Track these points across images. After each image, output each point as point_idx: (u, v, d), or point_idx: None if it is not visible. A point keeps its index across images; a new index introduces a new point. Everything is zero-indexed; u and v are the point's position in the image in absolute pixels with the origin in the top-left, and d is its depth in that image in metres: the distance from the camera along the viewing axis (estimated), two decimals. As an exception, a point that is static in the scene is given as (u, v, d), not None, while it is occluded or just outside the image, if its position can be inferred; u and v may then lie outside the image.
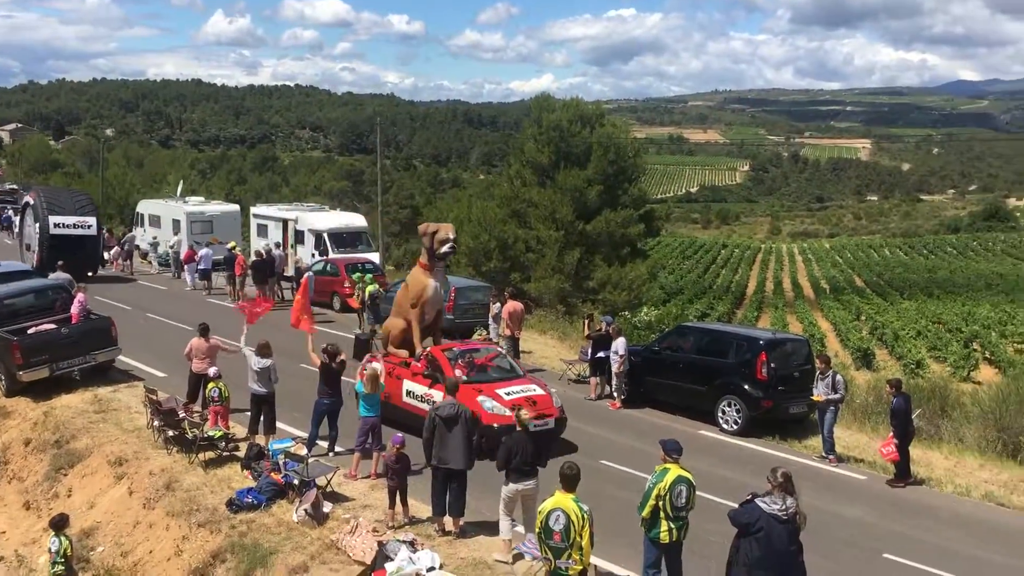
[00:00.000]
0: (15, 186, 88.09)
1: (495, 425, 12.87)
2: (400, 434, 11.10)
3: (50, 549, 10.49)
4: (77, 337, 17.59)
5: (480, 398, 13.42)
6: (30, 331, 17.49)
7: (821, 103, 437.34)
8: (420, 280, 15.45)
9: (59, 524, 10.54)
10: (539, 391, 14.16)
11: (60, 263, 24.91)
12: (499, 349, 16.30)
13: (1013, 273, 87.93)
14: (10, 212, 56.72)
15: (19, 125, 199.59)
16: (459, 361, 14.38)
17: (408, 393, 14.41)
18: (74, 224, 30.09)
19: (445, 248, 15.41)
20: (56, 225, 29.79)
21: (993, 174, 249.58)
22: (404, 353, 15.20)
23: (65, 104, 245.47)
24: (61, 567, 10.39)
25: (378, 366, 13.20)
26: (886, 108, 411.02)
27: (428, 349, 14.71)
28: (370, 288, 22.91)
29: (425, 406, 13.15)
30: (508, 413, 12.68)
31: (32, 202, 31.93)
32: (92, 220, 30.73)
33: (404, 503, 11.03)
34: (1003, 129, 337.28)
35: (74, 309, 18.52)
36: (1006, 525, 12.20)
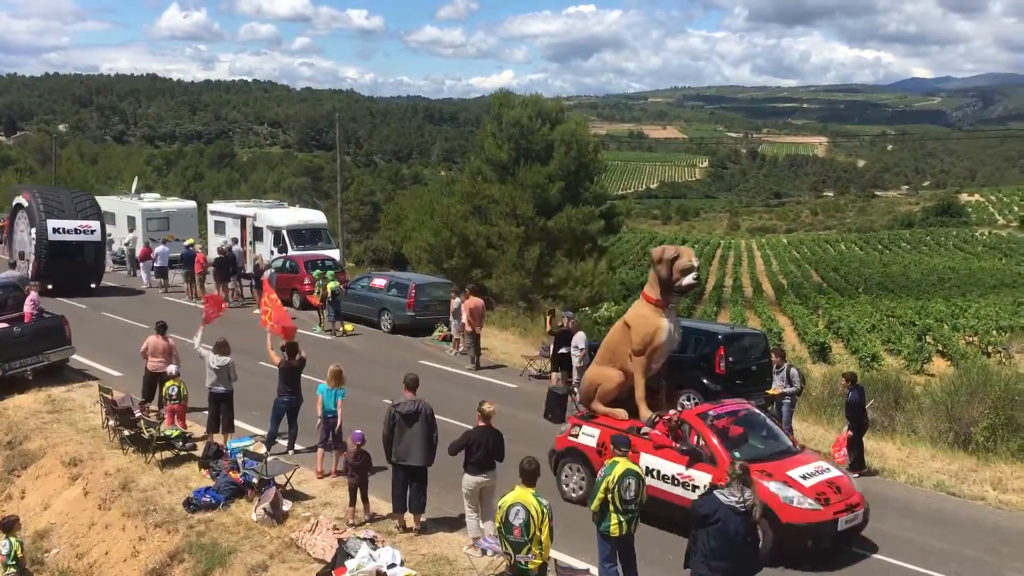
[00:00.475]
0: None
1: (801, 523, 9.94)
2: (360, 431, 11.06)
3: (1, 552, 10.29)
4: (29, 336, 17.28)
5: (773, 486, 10.11)
6: (-20, 331, 17.09)
7: (778, 100, 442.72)
8: (650, 319, 12.05)
9: (8, 526, 10.34)
10: (835, 471, 11.08)
11: (13, 263, 24.53)
12: (749, 406, 12.24)
13: (965, 267, 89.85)
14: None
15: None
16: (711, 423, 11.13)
17: (651, 472, 10.71)
18: (76, 229, 27.06)
19: (688, 279, 12.00)
20: (56, 230, 26.74)
21: (945, 170, 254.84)
22: (619, 413, 12.02)
23: (16, 99, 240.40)
24: (13, 569, 10.20)
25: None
26: (842, 105, 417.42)
27: (675, 414, 11.35)
28: (331, 284, 22.82)
29: (682, 491, 10.49)
30: (816, 507, 10.06)
31: (26, 204, 28.23)
32: (96, 224, 27.69)
33: (365, 500, 11.01)
34: (955, 126, 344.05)
35: (26, 308, 18.19)
36: (956, 514, 12.47)
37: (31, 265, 26.71)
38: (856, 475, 13.57)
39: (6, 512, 13.01)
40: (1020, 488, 13.49)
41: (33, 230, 27.07)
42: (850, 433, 13.77)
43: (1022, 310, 52.60)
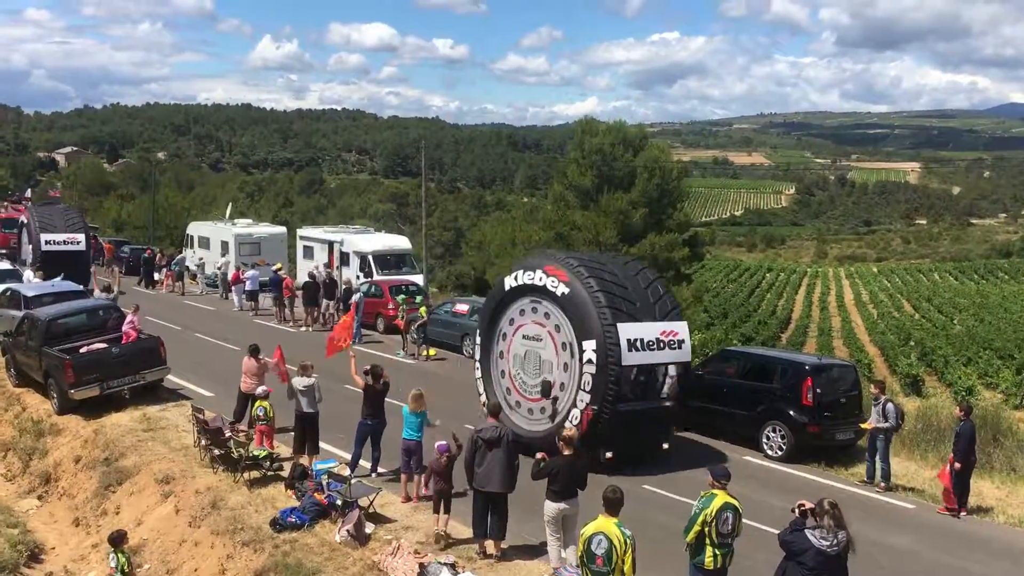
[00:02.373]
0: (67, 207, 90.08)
1: None
2: (444, 442, 11.13)
3: (110, 565, 10.68)
4: (127, 356, 17.93)
5: None
6: (82, 350, 17.87)
7: (868, 126, 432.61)
8: None
9: (116, 540, 10.74)
10: None
11: (107, 285, 25.65)
12: None
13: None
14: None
15: (75, 148, 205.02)
16: None
17: None
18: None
19: None
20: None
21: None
22: None
23: (119, 128, 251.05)
24: None
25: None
26: (935, 131, 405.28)
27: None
28: (422, 310, 23.32)
29: None
30: None
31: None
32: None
33: (448, 511, 11.08)
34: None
35: (125, 328, 18.91)
36: (1062, 558, 11.86)
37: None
38: (962, 513, 13.08)
39: (102, 527, 13.52)
40: None
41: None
42: (958, 466, 13.15)
43: None
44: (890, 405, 14.42)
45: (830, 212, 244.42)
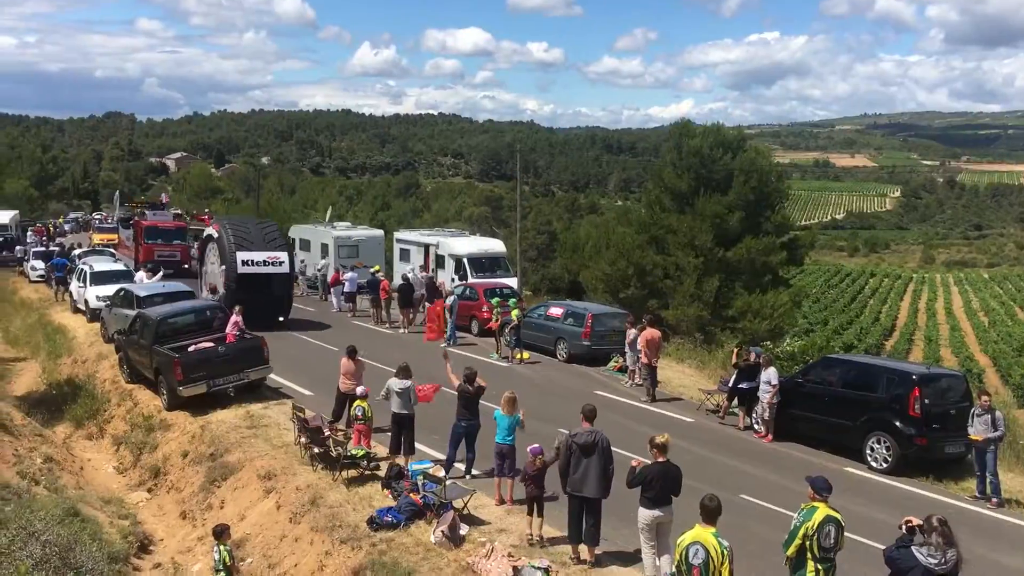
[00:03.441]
0: (180, 211, 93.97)
1: None
2: (537, 444, 11.13)
3: (213, 558, 11.05)
4: (232, 355, 18.52)
5: None
6: (190, 349, 18.54)
7: (979, 126, 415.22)
8: None
9: (219, 534, 11.11)
10: None
11: (213, 287, 26.48)
12: None
13: None
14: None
15: (184, 154, 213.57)
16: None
17: None
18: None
19: None
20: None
21: None
22: None
23: (225, 134, 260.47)
24: (223, 575, 10.94)
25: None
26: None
27: None
28: (515, 312, 23.35)
29: None
30: None
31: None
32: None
33: (540, 514, 11.08)
34: None
35: (229, 328, 19.54)
36: None
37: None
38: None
39: (208, 521, 13.98)
40: None
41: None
42: None
43: None
44: (998, 413, 13.82)
45: (938, 216, 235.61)
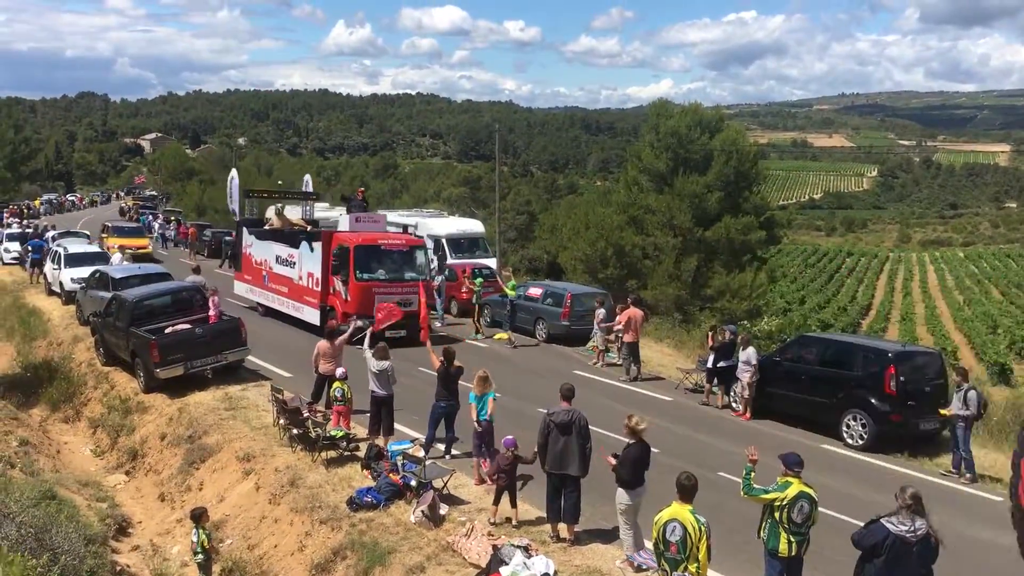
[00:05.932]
0: (155, 192, 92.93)
1: None
2: (511, 437, 11.16)
3: (192, 540, 11.03)
4: (210, 337, 18.41)
5: None
6: (167, 331, 18.41)
7: (955, 106, 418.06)
8: None
9: (198, 517, 11.09)
10: None
11: (194, 266, 26.08)
12: None
13: None
14: (149, 217, 59.96)
15: (159, 134, 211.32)
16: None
17: None
18: None
19: None
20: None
21: None
22: None
23: (201, 114, 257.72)
24: (201, 557, 10.94)
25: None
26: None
27: None
28: (511, 292, 23.71)
29: None
30: None
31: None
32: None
33: (513, 504, 11.12)
34: None
35: (213, 311, 19.44)
36: None
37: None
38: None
39: (187, 503, 13.94)
40: None
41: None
42: None
43: None
44: (972, 393, 13.98)
45: (914, 195, 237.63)
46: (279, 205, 30.95)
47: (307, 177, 41.12)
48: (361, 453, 13.63)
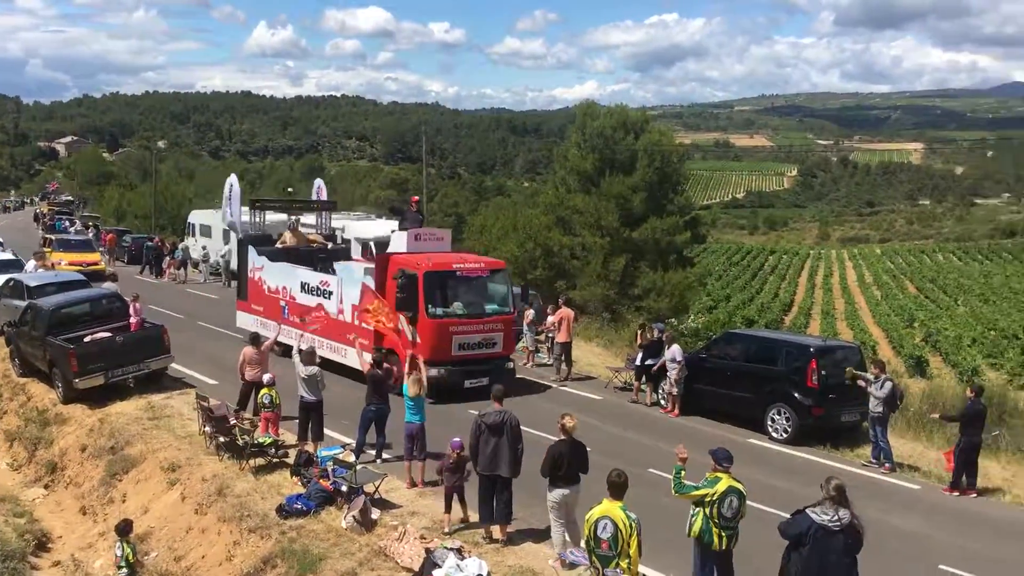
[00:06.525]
0: (71, 197, 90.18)
1: None
2: (458, 438, 11.14)
3: (115, 554, 10.74)
4: (131, 345, 17.96)
5: None
6: (86, 339, 17.89)
7: (870, 107, 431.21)
8: None
9: (123, 530, 10.80)
10: None
11: (110, 273, 25.33)
12: None
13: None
14: (66, 223, 58.17)
15: (75, 138, 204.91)
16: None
17: None
18: None
19: None
20: None
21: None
22: None
23: (119, 117, 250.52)
24: (126, 570, 10.65)
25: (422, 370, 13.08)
26: (938, 111, 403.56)
27: None
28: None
29: None
30: None
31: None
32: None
33: (463, 504, 11.12)
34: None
35: (134, 318, 18.95)
36: (1067, 537, 11.87)
37: None
38: (972, 495, 13.11)
39: (110, 515, 13.57)
40: None
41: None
42: (961, 447, 13.18)
43: None
44: (888, 384, 14.41)
45: (833, 194, 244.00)
46: (293, 218, 24.61)
47: (319, 182, 32.31)
48: (291, 460, 13.44)
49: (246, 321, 21.69)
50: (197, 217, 39.98)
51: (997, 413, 18.04)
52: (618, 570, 7.85)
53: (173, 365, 18.90)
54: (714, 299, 57.54)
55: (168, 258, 36.15)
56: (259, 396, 14.46)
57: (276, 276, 20.87)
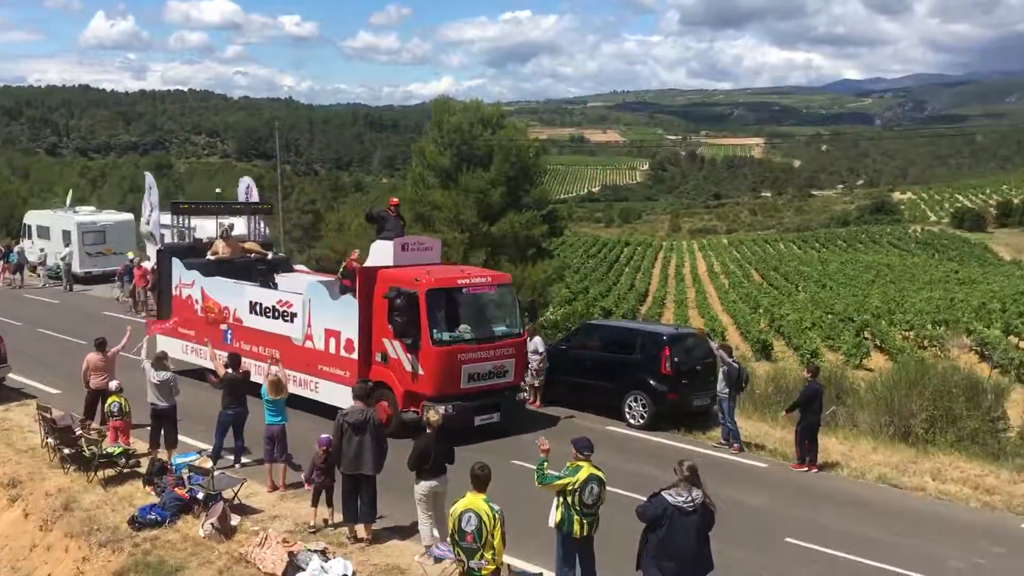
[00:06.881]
0: None
1: None
2: (326, 435, 10.95)
3: None
4: (-38, 356, 16.81)
5: None
6: (-90, 351, 16.63)
7: (714, 103, 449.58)
8: None
9: None
10: None
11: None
12: None
13: (900, 264, 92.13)
14: None
15: None
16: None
17: None
18: None
19: None
20: None
21: (878, 169, 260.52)
22: None
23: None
24: None
25: (280, 371, 12.86)
26: (777, 108, 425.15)
27: None
28: None
29: None
30: None
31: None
32: None
33: (330, 503, 10.97)
34: (886, 126, 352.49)
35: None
36: (899, 505, 12.79)
37: None
38: (814, 470, 13.90)
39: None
40: (958, 478, 13.88)
41: None
42: (802, 426, 13.98)
43: (955, 304, 54.08)
44: (734, 366, 15.10)
45: (682, 187, 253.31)
46: (226, 224, 20.86)
47: (247, 181, 24.57)
48: (143, 469, 12.92)
49: (169, 347, 17.60)
50: (34, 218, 37.74)
51: (835, 392, 19.17)
52: (483, 561, 7.94)
53: (11, 375, 17.85)
54: (573, 291, 58.63)
55: (2, 262, 33.91)
56: (106, 404, 13.80)
57: (214, 294, 17.88)
